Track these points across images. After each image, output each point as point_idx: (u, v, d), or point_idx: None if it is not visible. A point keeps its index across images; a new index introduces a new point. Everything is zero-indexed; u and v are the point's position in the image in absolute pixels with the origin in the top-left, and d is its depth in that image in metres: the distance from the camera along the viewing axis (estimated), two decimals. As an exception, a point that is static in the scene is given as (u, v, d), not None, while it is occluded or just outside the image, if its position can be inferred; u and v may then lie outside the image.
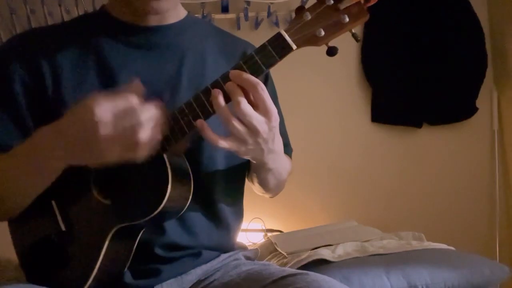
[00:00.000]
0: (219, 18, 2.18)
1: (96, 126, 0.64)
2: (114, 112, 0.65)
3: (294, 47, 0.68)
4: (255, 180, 0.93)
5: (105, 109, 0.64)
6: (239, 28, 2.22)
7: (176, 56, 0.87)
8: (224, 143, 0.70)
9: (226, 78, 0.70)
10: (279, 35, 0.68)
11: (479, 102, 2.26)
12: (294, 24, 0.68)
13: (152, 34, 0.87)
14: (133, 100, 0.66)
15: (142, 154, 0.68)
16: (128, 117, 0.65)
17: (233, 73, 0.69)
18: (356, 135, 2.31)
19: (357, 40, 0.69)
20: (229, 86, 0.69)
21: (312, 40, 0.68)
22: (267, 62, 0.69)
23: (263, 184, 0.93)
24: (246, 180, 0.99)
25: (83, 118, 0.65)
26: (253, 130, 0.69)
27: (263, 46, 0.69)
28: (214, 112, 0.70)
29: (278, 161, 0.84)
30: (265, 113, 0.69)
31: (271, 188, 0.95)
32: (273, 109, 0.70)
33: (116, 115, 0.65)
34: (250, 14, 2.18)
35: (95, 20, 0.91)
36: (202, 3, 2.09)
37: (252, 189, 0.99)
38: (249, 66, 0.69)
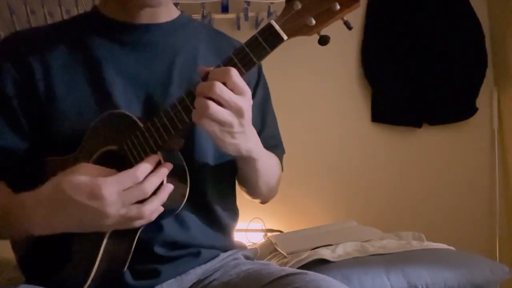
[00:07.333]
0: (219, 18, 2.17)
1: (103, 217, 0.67)
2: (121, 197, 0.67)
3: (285, 37, 0.67)
4: (245, 184, 0.93)
5: (114, 200, 0.66)
6: (239, 28, 2.22)
7: (167, 55, 0.87)
8: (211, 124, 0.68)
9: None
10: (269, 25, 0.67)
11: (479, 102, 2.26)
12: (284, 14, 0.67)
13: (143, 32, 0.87)
14: (139, 174, 0.68)
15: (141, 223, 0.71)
16: (135, 195, 0.68)
17: (200, 68, 0.71)
18: (356, 135, 2.31)
19: (349, 28, 0.68)
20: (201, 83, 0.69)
21: (303, 30, 0.67)
22: (258, 54, 0.68)
23: (253, 187, 0.93)
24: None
25: (88, 204, 0.67)
26: (237, 109, 0.68)
27: (253, 38, 0.68)
28: None
29: (262, 156, 0.83)
30: (242, 92, 0.69)
31: (261, 192, 0.94)
32: (247, 89, 0.69)
33: (123, 198, 0.67)
34: (250, 14, 2.17)
35: (86, 19, 0.91)
36: (202, 3, 2.08)
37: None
38: (240, 58, 0.68)
